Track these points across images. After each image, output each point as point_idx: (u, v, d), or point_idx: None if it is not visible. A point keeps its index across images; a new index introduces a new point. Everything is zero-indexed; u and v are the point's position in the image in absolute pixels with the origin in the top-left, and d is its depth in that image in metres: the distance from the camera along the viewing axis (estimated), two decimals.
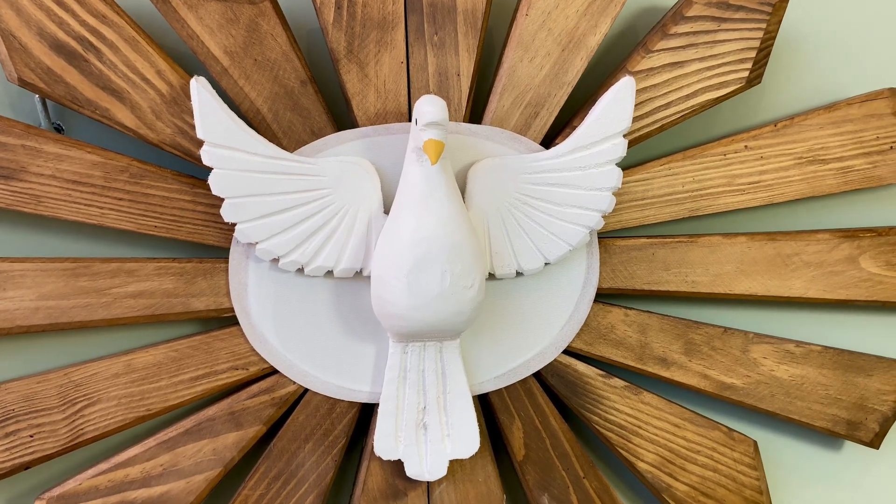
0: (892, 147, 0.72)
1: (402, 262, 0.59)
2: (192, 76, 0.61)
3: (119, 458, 0.64)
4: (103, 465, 0.63)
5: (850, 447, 0.78)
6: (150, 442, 0.64)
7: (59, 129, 0.66)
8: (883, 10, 0.75)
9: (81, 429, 0.63)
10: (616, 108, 0.64)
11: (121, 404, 0.63)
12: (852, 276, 0.73)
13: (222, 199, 0.61)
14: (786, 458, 0.78)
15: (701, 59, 0.68)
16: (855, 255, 0.73)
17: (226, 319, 0.66)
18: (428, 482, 0.67)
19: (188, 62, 0.64)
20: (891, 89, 0.72)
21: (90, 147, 0.62)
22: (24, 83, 0.60)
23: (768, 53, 0.69)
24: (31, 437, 0.62)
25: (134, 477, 0.64)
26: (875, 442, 0.74)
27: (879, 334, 0.77)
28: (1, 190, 0.61)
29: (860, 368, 0.73)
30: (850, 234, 0.73)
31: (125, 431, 0.65)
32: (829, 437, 0.77)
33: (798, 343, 0.73)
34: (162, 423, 0.66)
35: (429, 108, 0.57)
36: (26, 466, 0.63)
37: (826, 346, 0.73)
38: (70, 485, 0.63)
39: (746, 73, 0.69)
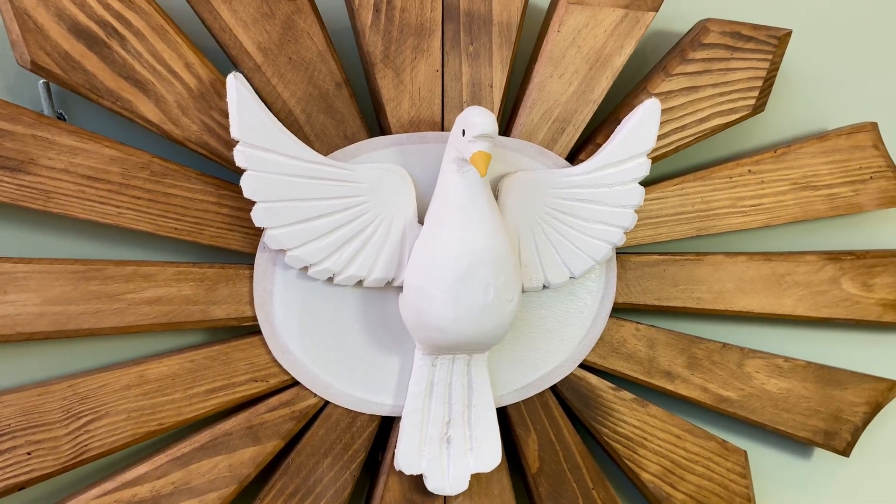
0: (871, 177, 0.78)
1: (447, 274, 0.58)
2: (221, 72, 0.59)
3: (127, 475, 0.59)
4: (109, 484, 0.59)
5: (821, 455, 0.83)
6: (162, 458, 0.60)
7: (61, 119, 0.61)
8: (866, 46, 0.81)
9: (86, 445, 0.58)
10: (642, 128, 0.65)
11: (130, 418, 0.59)
12: (834, 296, 0.78)
13: (251, 203, 0.58)
14: (764, 467, 0.82)
15: (714, 85, 0.71)
16: (837, 276, 0.78)
17: (245, 329, 0.63)
18: (447, 497, 0.66)
19: (214, 58, 0.61)
20: (872, 123, 0.77)
21: (108, 141, 0.57)
22: (37, 67, 0.55)
23: (772, 83, 0.73)
24: (29, 454, 0.57)
25: (143, 496, 0.59)
26: (847, 450, 0.79)
27: (854, 350, 0.82)
28: (6, 183, 0.55)
29: (837, 382, 0.78)
30: (834, 256, 0.77)
31: (134, 448, 0.61)
32: (802, 445, 0.82)
33: (786, 358, 0.77)
34: (174, 437, 0.62)
35: (480, 119, 0.56)
36: (21, 487, 0.57)
37: (809, 361, 0.78)
38: None
39: (753, 101, 0.72)
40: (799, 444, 0.82)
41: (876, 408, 0.80)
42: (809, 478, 0.84)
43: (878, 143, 0.78)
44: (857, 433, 0.79)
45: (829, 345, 0.82)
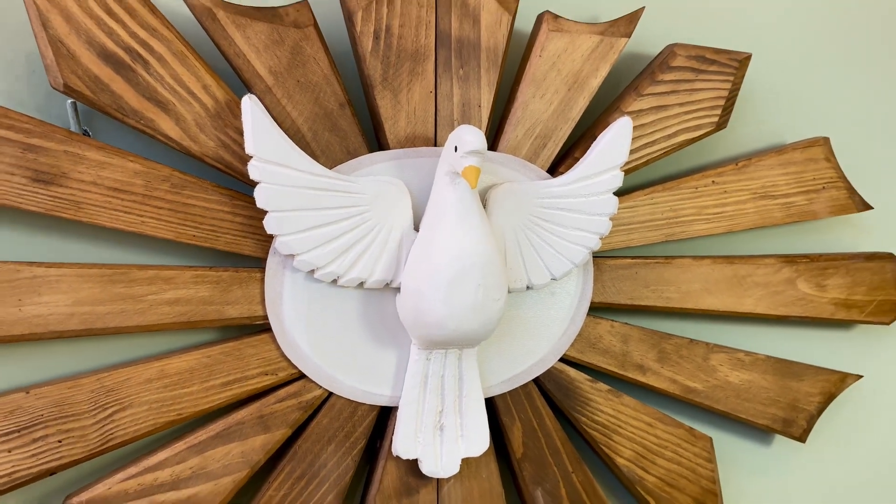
0: (824, 187, 0.85)
1: (442, 275, 0.64)
2: (236, 93, 0.65)
3: (149, 461, 0.65)
4: (132, 469, 0.64)
5: (780, 441, 0.91)
6: (180, 445, 0.65)
7: (86, 135, 0.66)
8: (820, 67, 0.89)
9: (111, 434, 0.64)
10: (616, 143, 0.72)
11: (152, 409, 0.65)
12: (791, 296, 0.85)
13: (264, 212, 0.63)
14: (728, 453, 0.89)
15: (681, 104, 0.78)
16: (793, 277, 0.85)
17: (257, 327, 0.68)
18: (439, 480, 0.73)
19: (229, 80, 0.66)
20: (825, 138, 0.85)
21: (132, 156, 0.63)
22: (69, 90, 0.61)
23: (734, 102, 0.80)
24: (60, 442, 0.62)
25: (163, 480, 0.65)
26: (803, 437, 0.87)
27: (808, 345, 0.90)
28: (41, 195, 0.61)
29: (794, 374, 0.86)
30: (790, 259, 0.85)
31: (155, 436, 0.66)
32: (763, 432, 0.90)
33: (747, 353, 0.84)
34: (192, 426, 0.68)
35: (471, 137, 0.62)
36: (52, 472, 0.62)
37: (768, 356, 0.85)
38: (99, 489, 0.63)
39: (717, 118, 0.79)
40: (759, 432, 0.90)
41: (829, 398, 0.87)
42: (769, 463, 0.91)
43: (830, 156, 0.85)
44: (812, 421, 0.87)
45: (786, 340, 0.89)
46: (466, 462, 0.73)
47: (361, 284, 0.68)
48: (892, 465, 0.96)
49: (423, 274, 0.65)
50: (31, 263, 0.61)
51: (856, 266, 0.88)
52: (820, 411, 0.87)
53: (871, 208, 0.88)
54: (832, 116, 0.90)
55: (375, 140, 0.72)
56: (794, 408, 0.86)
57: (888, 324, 0.90)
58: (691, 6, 0.85)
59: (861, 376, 0.88)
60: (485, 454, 0.73)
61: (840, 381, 0.87)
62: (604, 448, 0.79)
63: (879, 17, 0.91)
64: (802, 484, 0.92)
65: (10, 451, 0.61)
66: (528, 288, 0.73)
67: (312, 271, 0.66)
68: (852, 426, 0.94)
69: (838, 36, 0.90)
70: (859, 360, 0.93)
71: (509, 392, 0.75)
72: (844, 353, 0.92)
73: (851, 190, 0.86)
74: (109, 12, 0.61)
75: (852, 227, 0.92)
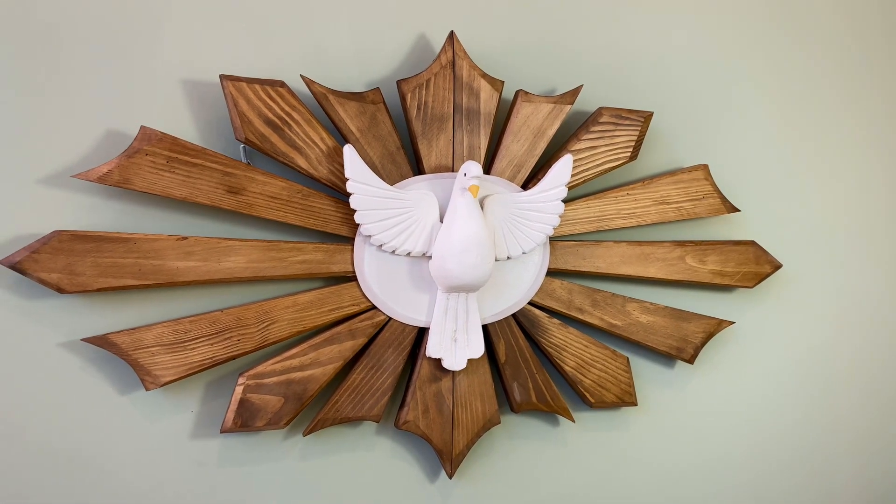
0: (703, 197, 1.32)
1: (456, 248, 1.11)
2: (340, 143, 1.12)
3: (287, 353, 1.12)
4: (277, 358, 1.11)
5: (677, 363, 1.37)
6: (304, 345, 1.13)
7: (251, 165, 1.14)
8: (702, 118, 1.36)
9: (266, 337, 1.11)
10: (562, 170, 1.19)
11: (289, 323, 1.12)
12: (682, 267, 1.32)
13: (353, 210, 1.11)
14: (642, 371, 1.36)
15: (606, 145, 1.25)
16: (683, 255, 1.32)
17: (348, 278, 1.16)
18: (454, 372, 1.20)
19: (335, 135, 1.14)
20: (704, 165, 1.32)
21: (280, 178, 1.11)
22: (247, 141, 1.08)
23: (641, 142, 1.27)
24: (238, 340, 1.09)
25: (294, 365, 1.12)
26: (692, 360, 1.33)
27: (694, 300, 1.37)
28: (231, 200, 1.08)
29: (684, 318, 1.32)
30: (681, 243, 1.32)
31: (290, 339, 1.14)
32: (664, 357, 1.36)
33: (652, 303, 1.31)
34: (311, 335, 1.15)
35: (473, 168, 1.10)
36: (233, 358, 1.09)
37: (666, 306, 1.31)
38: (259, 368, 1.11)
39: (629, 153, 1.26)
40: (661, 356, 1.36)
41: (709, 335, 1.34)
42: (670, 379, 1.38)
43: (708, 177, 1.32)
44: (697, 350, 1.33)
45: (679, 297, 1.36)
46: (470, 362, 1.20)
47: (409, 254, 1.15)
48: (755, 384, 1.43)
49: (445, 247, 1.12)
50: (225, 238, 1.08)
51: (727, 249, 1.34)
52: (703, 343, 1.33)
53: (739, 210, 1.35)
54: (710, 150, 1.37)
55: (417, 169, 1.19)
56: (685, 340, 1.33)
57: (752, 287, 1.37)
58: (613, 82, 1.32)
59: (733, 322, 1.35)
60: (481, 358, 1.20)
61: (717, 325, 1.34)
62: (556, 360, 1.26)
63: (745, 83, 1.38)
64: (693, 395, 1.39)
65: (212, 345, 1.09)
66: (508, 258, 1.20)
67: (381, 245, 1.13)
68: (728, 357, 1.40)
69: (715, 96, 1.37)
70: (734, 313, 1.40)
71: (497, 322, 1.22)
72: (723, 308, 1.39)
73: (723, 199, 1.33)
74: (270, 97, 1.09)
75: (725, 224, 1.38)
